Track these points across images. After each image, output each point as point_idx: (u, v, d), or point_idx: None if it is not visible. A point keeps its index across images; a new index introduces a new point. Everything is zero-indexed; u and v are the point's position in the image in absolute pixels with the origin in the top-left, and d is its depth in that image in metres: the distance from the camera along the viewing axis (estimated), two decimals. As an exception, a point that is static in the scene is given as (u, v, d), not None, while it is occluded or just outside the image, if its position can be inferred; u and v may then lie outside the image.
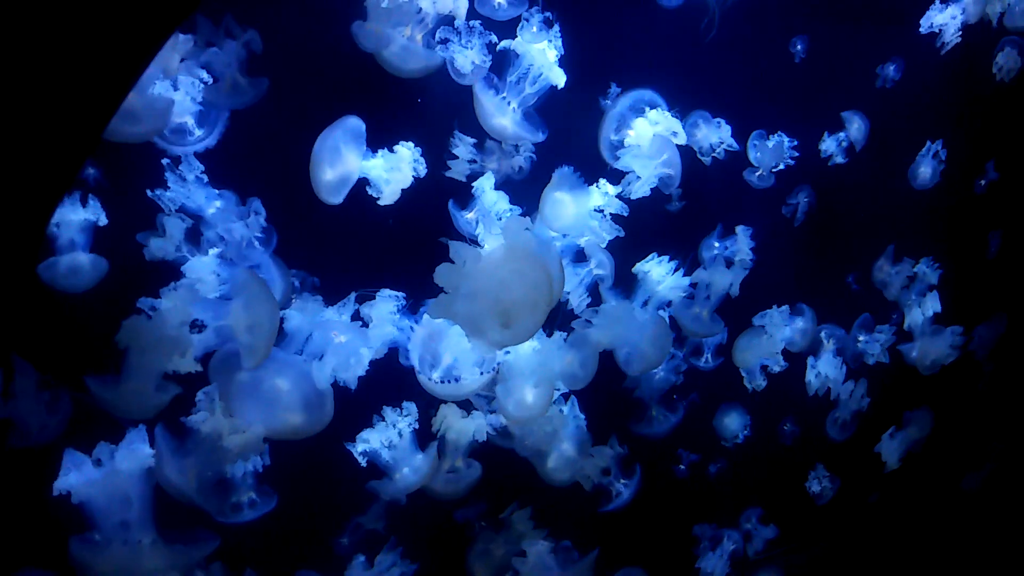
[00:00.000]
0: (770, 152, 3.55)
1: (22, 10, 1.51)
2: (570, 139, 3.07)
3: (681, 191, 3.39)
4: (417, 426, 2.87)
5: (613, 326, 2.99)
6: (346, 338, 2.66)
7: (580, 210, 2.92)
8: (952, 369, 4.20)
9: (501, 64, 2.76)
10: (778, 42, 3.65)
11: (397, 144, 2.73)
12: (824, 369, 3.87)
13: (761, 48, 3.60)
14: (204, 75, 2.46)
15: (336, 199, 2.67)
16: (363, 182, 2.72)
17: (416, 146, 2.72)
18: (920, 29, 3.74)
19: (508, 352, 2.92)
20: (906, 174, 4.04)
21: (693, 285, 3.29)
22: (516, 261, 2.50)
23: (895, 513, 4.59)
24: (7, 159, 1.62)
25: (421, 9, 2.52)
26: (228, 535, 2.75)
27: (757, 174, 3.60)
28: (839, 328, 4.01)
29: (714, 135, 3.33)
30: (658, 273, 3.08)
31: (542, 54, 2.68)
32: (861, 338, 4.03)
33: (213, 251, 2.46)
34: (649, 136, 2.98)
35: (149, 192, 2.45)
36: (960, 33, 3.72)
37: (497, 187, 2.80)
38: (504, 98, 2.77)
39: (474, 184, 2.76)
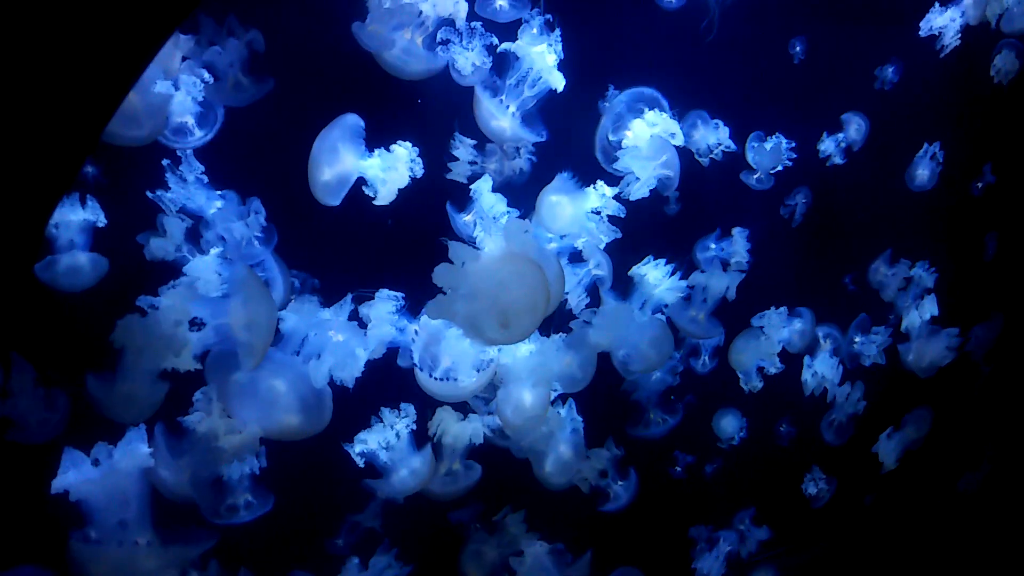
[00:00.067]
0: (768, 154, 3.59)
1: (22, 10, 1.53)
2: (571, 141, 3.11)
3: (679, 193, 3.42)
4: (415, 427, 2.91)
5: (613, 327, 3.03)
6: (343, 337, 2.68)
7: (577, 212, 2.96)
8: (949, 370, 4.25)
9: (501, 67, 2.79)
10: (777, 43, 3.68)
11: (395, 143, 2.75)
12: (820, 369, 3.92)
13: (760, 49, 3.65)
14: (205, 75, 2.49)
15: (334, 201, 2.71)
16: (362, 182, 2.76)
17: (414, 146, 2.75)
18: (920, 32, 3.77)
19: (506, 357, 2.96)
20: (904, 176, 4.07)
21: (690, 288, 3.32)
22: (516, 263, 2.54)
23: (891, 514, 4.64)
24: (6, 159, 1.64)
25: (421, 12, 2.55)
26: (223, 535, 2.78)
27: (755, 176, 3.64)
28: (836, 328, 4.05)
29: (712, 136, 3.37)
30: (654, 276, 3.12)
31: (541, 57, 2.72)
32: (857, 339, 4.07)
33: (215, 251, 2.49)
34: (647, 137, 3.02)
35: (149, 193, 2.47)
36: (959, 36, 3.76)
37: (497, 189, 2.84)
38: (503, 100, 2.80)
39: (472, 186, 2.81)
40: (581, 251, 3.03)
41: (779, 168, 3.65)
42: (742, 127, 3.53)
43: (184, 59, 2.51)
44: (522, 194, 2.94)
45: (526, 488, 3.35)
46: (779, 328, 3.74)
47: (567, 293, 3.01)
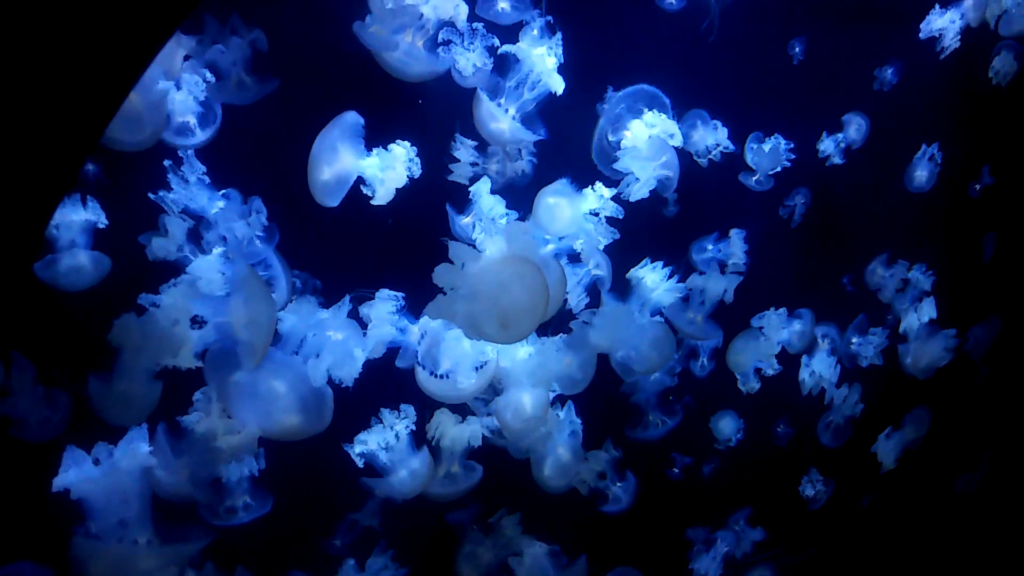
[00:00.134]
0: (767, 155, 3.62)
1: (22, 10, 1.56)
2: (573, 142, 3.14)
3: (677, 195, 3.46)
4: (414, 428, 2.95)
5: (613, 328, 3.07)
6: (343, 335, 2.72)
7: (575, 213, 2.99)
8: (947, 371, 4.29)
9: (501, 69, 2.83)
10: (776, 44, 3.72)
11: (393, 143, 2.79)
12: (818, 368, 3.97)
13: (759, 50, 3.68)
14: (207, 74, 2.52)
15: (333, 201, 2.75)
16: (361, 182, 2.79)
17: (415, 147, 2.78)
18: (920, 35, 3.82)
19: (505, 360, 2.99)
20: (902, 177, 4.11)
21: (688, 291, 3.36)
22: (516, 264, 2.58)
23: (889, 515, 4.67)
24: (6, 159, 1.66)
25: (422, 15, 2.58)
26: (221, 535, 2.83)
27: (755, 178, 3.67)
28: (834, 327, 4.09)
29: (711, 137, 3.41)
30: (652, 279, 3.16)
31: (542, 60, 2.76)
32: (855, 340, 4.11)
33: (217, 250, 2.52)
34: (645, 138, 3.06)
35: (152, 195, 2.50)
36: (959, 37, 3.80)
37: (500, 191, 2.87)
38: (502, 103, 2.83)
39: (471, 188, 2.85)
40: (580, 253, 3.07)
41: (778, 169, 3.68)
42: (741, 128, 3.58)
43: (187, 58, 2.54)
44: (521, 196, 2.97)
45: (525, 489, 3.40)
46: (778, 329, 3.78)
47: (567, 293, 3.04)
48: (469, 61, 2.71)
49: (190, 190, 2.52)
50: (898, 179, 4.12)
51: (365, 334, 2.80)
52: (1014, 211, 4.53)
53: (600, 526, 3.67)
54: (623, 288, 3.23)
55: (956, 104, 4.11)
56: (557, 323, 3.06)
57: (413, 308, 2.88)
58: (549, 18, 2.81)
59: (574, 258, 3.11)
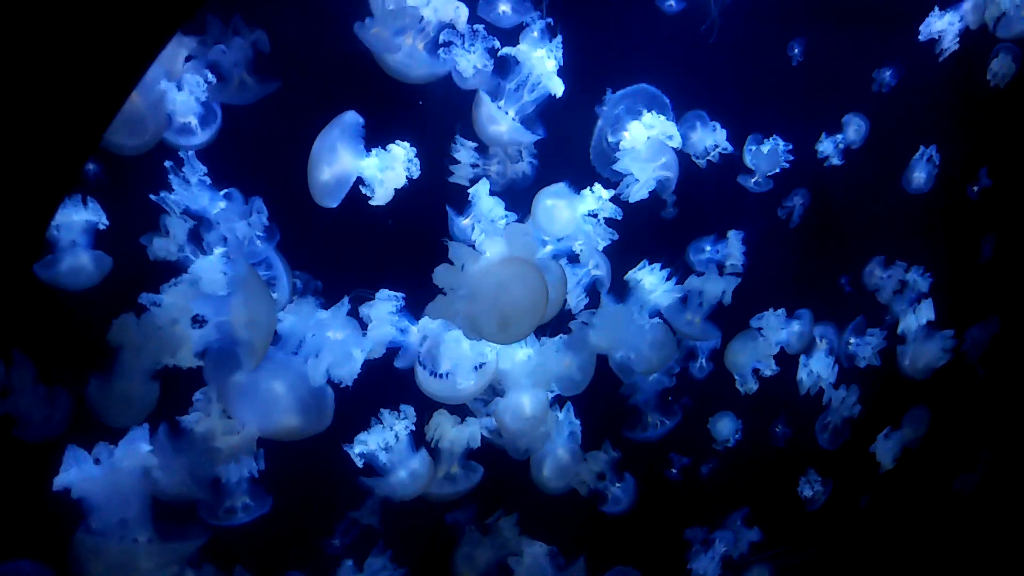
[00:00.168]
0: (765, 157, 3.65)
1: (24, 11, 1.57)
2: (574, 144, 3.16)
3: (676, 197, 3.48)
4: (414, 429, 2.98)
5: (613, 329, 3.09)
6: (342, 335, 2.74)
7: (573, 215, 3.02)
8: (945, 372, 4.33)
9: (501, 71, 2.86)
10: (775, 45, 3.74)
11: (392, 143, 2.80)
12: (816, 368, 4.00)
13: (759, 51, 3.70)
14: (208, 75, 2.54)
15: (333, 202, 2.77)
16: (361, 183, 2.81)
17: (416, 147, 2.80)
18: (920, 37, 3.85)
19: (505, 362, 3.01)
20: (902, 178, 4.14)
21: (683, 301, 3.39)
22: (516, 265, 2.61)
23: (887, 515, 4.70)
24: (8, 159, 1.67)
25: (423, 17, 2.60)
26: (220, 535, 2.86)
27: (753, 180, 3.70)
28: (832, 327, 4.12)
29: (709, 138, 3.44)
30: (650, 281, 3.18)
31: (541, 62, 2.79)
32: (852, 340, 4.14)
33: (219, 250, 2.54)
34: (643, 139, 3.08)
35: (153, 196, 2.52)
36: (958, 39, 3.82)
37: (501, 192, 2.90)
38: (502, 105, 2.86)
39: (470, 190, 2.88)
40: (578, 255, 3.09)
41: (776, 171, 3.71)
42: (740, 129, 3.61)
43: (189, 58, 2.56)
44: (521, 197, 2.99)
45: (524, 490, 3.43)
46: (777, 330, 3.81)
47: (567, 294, 3.07)
48: (470, 63, 2.73)
49: (191, 191, 2.54)
50: (896, 180, 4.15)
51: (365, 334, 2.82)
52: (1012, 213, 4.56)
53: (599, 526, 3.70)
54: (621, 290, 3.26)
55: (954, 106, 4.14)
56: (556, 324, 3.08)
57: (413, 308, 2.90)
58: (549, 20, 2.83)
59: (573, 259, 3.14)
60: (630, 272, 3.24)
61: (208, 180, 2.59)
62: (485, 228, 2.72)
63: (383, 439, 2.92)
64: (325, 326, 2.74)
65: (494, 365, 3.01)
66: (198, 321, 2.55)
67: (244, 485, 2.87)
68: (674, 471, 4.11)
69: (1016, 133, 4.36)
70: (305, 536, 3.37)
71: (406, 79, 2.74)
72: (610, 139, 3.16)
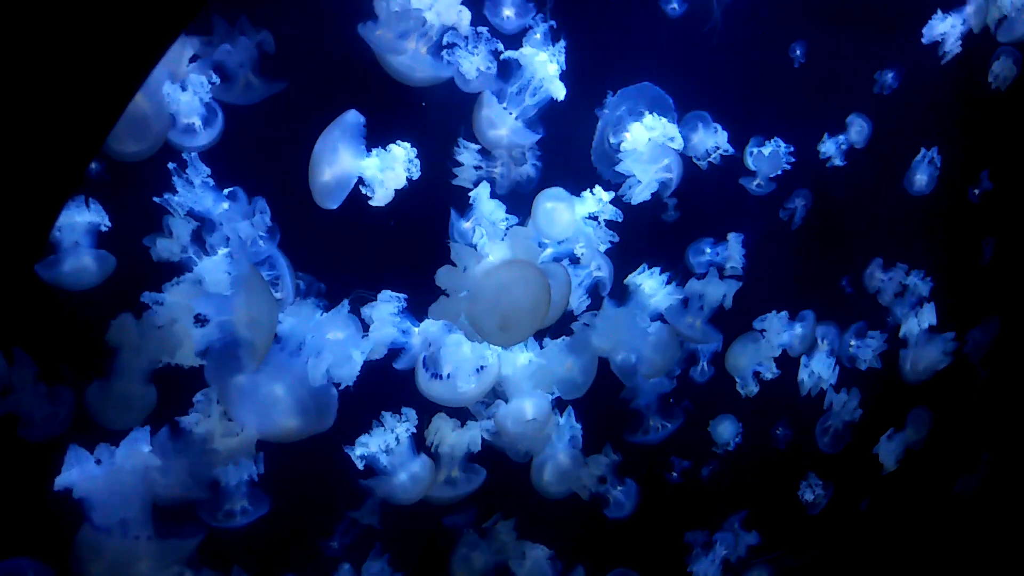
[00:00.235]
0: (767, 160, 3.68)
1: (26, 12, 1.58)
2: (579, 147, 3.19)
3: (677, 200, 3.50)
4: (415, 431, 3.02)
5: (616, 332, 3.12)
6: (343, 335, 2.76)
7: (574, 217, 3.05)
8: (946, 374, 4.36)
9: (504, 74, 2.91)
10: (777, 47, 3.78)
11: (392, 143, 2.83)
12: (817, 369, 4.04)
13: (761, 53, 3.74)
14: (213, 76, 2.56)
15: (333, 204, 2.80)
16: (362, 184, 2.84)
17: (417, 148, 2.83)
18: (923, 39, 3.89)
19: (507, 367, 3.04)
20: (903, 180, 4.17)
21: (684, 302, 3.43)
22: (519, 267, 2.63)
23: (887, 518, 4.73)
24: (11, 160, 1.70)
25: (426, 21, 2.63)
26: (218, 535, 2.90)
27: (755, 183, 3.73)
28: (834, 327, 4.17)
29: (710, 140, 3.46)
30: (650, 286, 3.21)
31: (544, 66, 2.81)
32: (853, 342, 4.17)
33: (223, 250, 2.56)
34: (644, 140, 3.12)
35: (157, 198, 2.56)
36: (960, 42, 3.86)
37: (505, 195, 2.92)
38: (505, 108, 2.89)
39: (471, 193, 2.91)
40: (580, 257, 3.12)
41: (778, 173, 3.74)
42: (742, 131, 3.65)
43: (195, 57, 2.59)
44: (522, 200, 3.02)
45: (524, 493, 3.46)
46: (779, 332, 3.84)
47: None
48: (473, 64, 2.76)
49: (195, 192, 2.56)
50: (898, 182, 4.19)
51: (367, 335, 2.85)
52: (1013, 215, 4.60)
53: (599, 529, 3.73)
54: (622, 293, 3.29)
55: (956, 108, 4.18)
56: (558, 325, 3.10)
57: (415, 310, 2.93)
58: (552, 23, 2.86)
59: (574, 260, 3.18)
60: (630, 276, 3.27)
61: (211, 181, 2.62)
62: (487, 231, 2.75)
63: (384, 441, 2.95)
64: (325, 327, 2.77)
65: (496, 369, 3.03)
66: (200, 320, 2.57)
67: (243, 488, 2.91)
68: (675, 474, 4.14)
69: (1017, 136, 4.40)
70: (304, 537, 3.39)
71: (409, 81, 2.78)
72: (612, 140, 3.19)
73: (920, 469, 4.61)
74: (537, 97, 2.90)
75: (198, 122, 2.63)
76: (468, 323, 2.70)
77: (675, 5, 3.42)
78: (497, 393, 3.15)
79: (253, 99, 2.71)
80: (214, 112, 2.67)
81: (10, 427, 2.63)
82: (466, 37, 2.74)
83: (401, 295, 2.89)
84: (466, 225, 2.96)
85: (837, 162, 3.96)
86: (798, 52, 3.81)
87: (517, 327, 2.78)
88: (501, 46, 2.83)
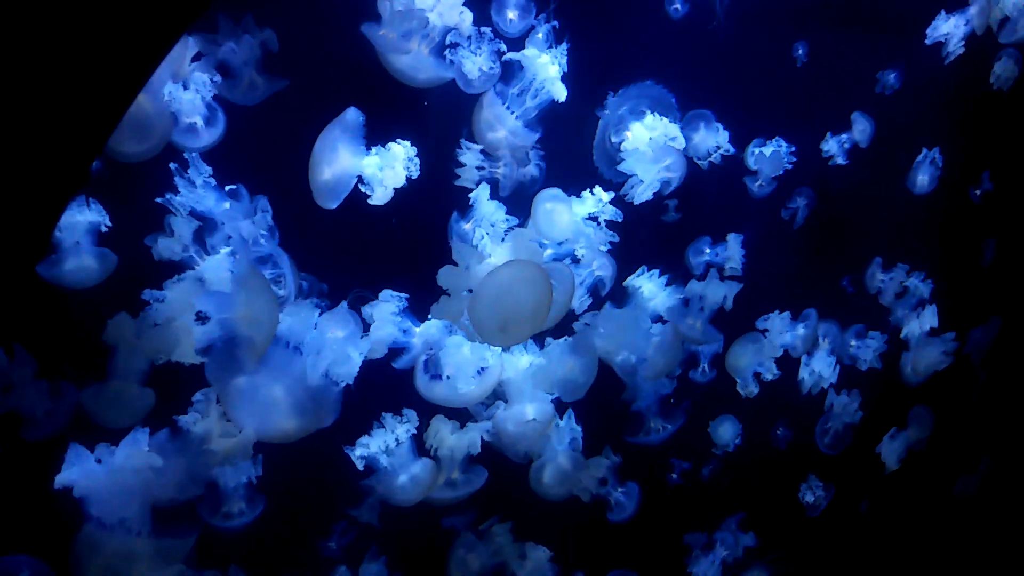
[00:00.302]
0: (768, 160, 3.70)
1: (29, 13, 1.60)
2: (584, 147, 3.23)
3: (677, 201, 3.53)
4: (416, 432, 3.05)
5: (619, 332, 3.14)
6: (343, 333, 2.79)
7: (573, 218, 3.08)
8: (947, 375, 4.41)
9: (505, 76, 2.95)
10: (780, 46, 3.80)
11: (392, 142, 2.85)
12: (818, 367, 4.08)
13: (763, 52, 3.77)
14: (215, 74, 2.59)
15: (333, 203, 2.82)
16: (363, 183, 2.87)
17: (418, 147, 2.85)
18: (927, 40, 3.93)
19: (509, 370, 3.09)
20: (904, 180, 4.21)
21: (685, 302, 3.46)
22: (522, 267, 2.66)
23: (886, 518, 4.76)
24: (14, 161, 1.71)
25: (428, 21, 2.66)
26: (216, 534, 2.95)
27: (757, 184, 3.76)
28: (835, 326, 4.21)
29: (711, 139, 3.49)
30: (649, 289, 3.24)
31: (545, 67, 2.86)
32: (853, 342, 4.20)
33: (225, 249, 2.58)
34: (645, 140, 3.15)
35: (158, 199, 2.58)
36: (963, 43, 3.89)
37: (509, 196, 2.94)
38: (508, 108, 2.91)
39: (471, 195, 2.94)
40: (580, 258, 3.15)
41: (780, 173, 3.77)
42: (744, 130, 3.68)
43: (199, 55, 2.62)
44: (523, 202, 3.05)
45: (524, 495, 3.50)
46: (782, 333, 3.88)
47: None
48: (475, 64, 2.79)
49: (197, 192, 2.59)
50: (899, 183, 4.21)
51: (367, 335, 2.88)
52: (1014, 217, 4.63)
53: (598, 531, 3.77)
54: (621, 295, 3.32)
55: (957, 109, 4.21)
56: (559, 325, 3.12)
57: (416, 309, 2.95)
58: (555, 23, 2.89)
59: (575, 261, 3.20)
60: (629, 279, 3.30)
61: (213, 181, 2.64)
62: (487, 233, 2.78)
63: (384, 442, 2.98)
64: (325, 326, 2.79)
65: (498, 370, 3.06)
66: (201, 318, 2.59)
67: (241, 490, 2.95)
68: (674, 475, 4.18)
69: (1018, 137, 4.44)
70: (302, 537, 3.42)
71: (412, 82, 2.81)
72: (613, 139, 3.21)
73: (920, 470, 4.66)
74: (538, 99, 2.93)
75: (200, 122, 2.66)
76: (469, 323, 2.73)
77: (678, 6, 3.45)
78: (497, 394, 3.19)
79: (256, 98, 2.73)
80: (216, 112, 2.69)
81: (11, 425, 2.65)
82: (469, 37, 2.77)
83: (402, 295, 2.92)
84: (466, 227, 2.99)
85: (840, 160, 3.99)
86: (800, 52, 3.83)
87: (517, 328, 2.81)
88: (504, 46, 2.86)
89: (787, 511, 4.42)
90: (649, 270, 3.38)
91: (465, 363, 2.99)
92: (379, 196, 2.83)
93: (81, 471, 2.51)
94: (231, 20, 2.67)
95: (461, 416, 3.21)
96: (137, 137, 2.49)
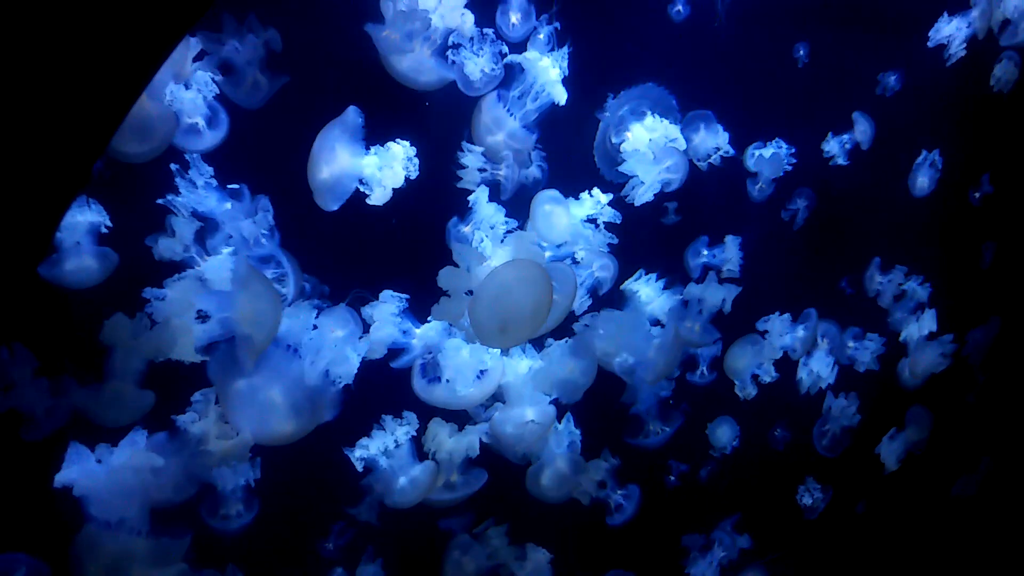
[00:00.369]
0: (768, 162, 3.73)
1: (32, 12, 1.61)
2: (586, 149, 3.26)
3: (677, 203, 3.55)
4: (416, 435, 3.09)
5: (620, 334, 3.16)
6: (343, 332, 2.82)
7: (572, 220, 3.12)
8: (945, 377, 4.46)
9: (506, 79, 2.98)
10: (781, 47, 3.84)
11: (391, 141, 2.87)
12: (816, 367, 4.13)
13: (764, 53, 3.82)
14: (217, 74, 2.61)
15: (334, 203, 2.84)
16: (362, 183, 2.89)
17: (419, 148, 2.87)
18: (929, 43, 3.98)
19: (509, 374, 3.12)
20: (904, 182, 4.25)
21: (684, 304, 3.51)
22: (523, 267, 2.69)
23: (885, 521, 4.80)
24: (16, 162, 1.73)
25: (431, 24, 2.69)
26: (214, 534, 2.99)
27: (758, 186, 3.79)
28: (834, 326, 4.26)
29: (711, 140, 3.52)
30: (647, 293, 3.26)
31: (546, 71, 2.91)
32: (851, 344, 4.23)
33: (227, 249, 2.61)
34: (645, 141, 3.19)
35: (160, 200, 2.62)
36: (965, 45, 3.93)
37: (511, 198, 2.97)
38: (508, 111, 2.94)
39: (470, 198, 2.97)
40: (580, 260, 3.19)
41: (780, 175, 3.80)
42: (744, 131, 3.71)
43: (203, 54, 2.65)
44: (522, 205, 3.09)
45: (522, 496, 3.53)
46: (782, 334, 3.92)
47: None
48: (477, 66, 2.81)
49: (198, 193, 2.61)
50: (899, 185, 4.25)
51: (367, 335, 2.91)
52: (1013, 219, 4.67)
53: (596, 532, 3.80)
54: (619, 299, 3.35)
55: (957, 111, 4.25)
56: (560, 326, 3.15)
57: (416, 310, 2.98)
58: (557, 24, 2.91)
59: (575, 262, 3.23)
60: (626, 283, 3.34)
61: (214, 182, 2.67)
62: (486, 235, 2.80)
63: (384, 444, 3.02)
64: (324, 324, 2.82)
65: (499, 373, 3.10)
66: (201, 316, 2.62)
67: (239, 493, 2.98)
68: (672, 478, 4.21)
69: (1018, 139, 4.48)
70: (300, 537, 3.44)
71: (414, 85, 2.84)
72: (613, 140, 3.24)
73: (918, 471, 4.70)
74: (539, 102, 2.96)
75: (201, 122, 2.68)
76: (469, 324, 2.76)
77: (680, 7, 3.49)
78: (496, 396, 3.23)
79: (260, 100, 2.76)
80: (218, 113, 2.72)
81: (10, 423, 2.67)
82: (471, 38, 2.79)
83: (403, 295, 2.95)
84: (465, 229, 3.02)
85: (840, 161, 4.03)
86: (801, 53, 3.86)
87: (517, 328, 2.84)
88: (506, 48, 2.90)
89: (785, 513, 4.46)
90: (648, 272, 3.42)
91: (464, 366, 3.02)
92: (378, 196, 2.86)
93: (81, 470, 2.55)
94: (235, 19, 2.69)
95: (459, 418, 3.25)
96: (139, 137, 2.52)
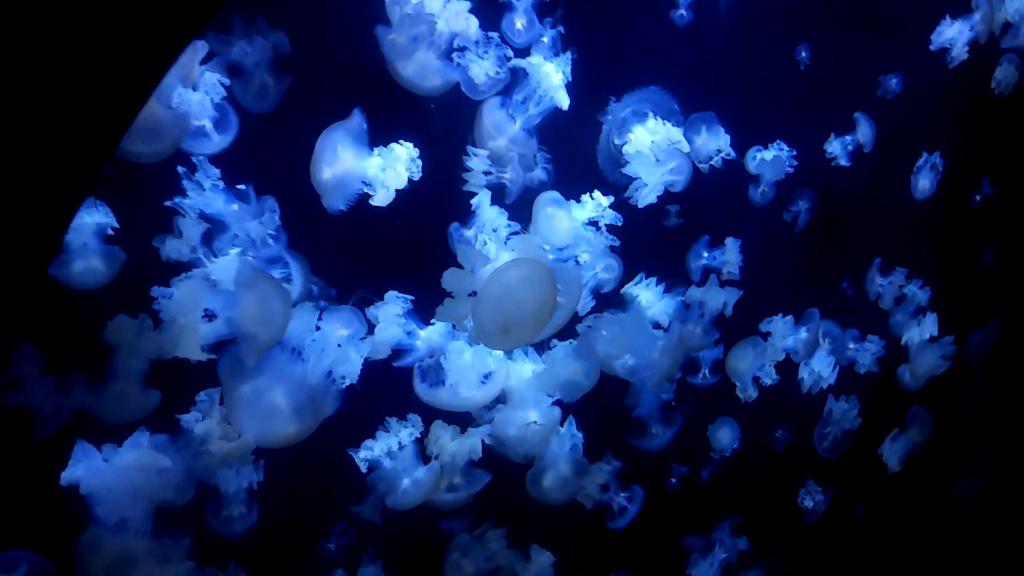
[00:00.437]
0: (769, 165, 3.78)
1: (37, 17, 1.64)
2: (589, 152, 3.30)
3: (679, 206, 3.59)
4: (420, 437, 3.13)
5: (624, 335, 3.20)
6: (348, 332, 2.88)
7: (574, 223, 3.17)
8: (946, 379, 4.51)
9: (509, 84, 3.03)
10: (783, 50, 3.90)
11: (395, 143, 2.92)
12: (817, 367, 4.17)
13: (766, 55, 3.86)
14: (225, 77, 2.65)
15: (338, 203, 2.88)
16: (366, 184, 2.94)
17: (421, 148, 2.91)
18: (931, 46, 4.03)
19: (513, 378, 3.17)
20: (905, 184, 4.30)
21: (686, 306, 3.55)
22: (528, 267, 2.74)
23: (885, 522, 4.85)
24: (26, 165, 1.76)
25: (436, 27, 2.74)
26: (216, 535, 3.04)
27: (759, 190, 3.82)
28: (836, 326, 4.30)
29: (713, 143, 3.56)
30: (647, 297, 3.30)
31: (549, 76, 2.97)
32: (851, 346, 4.27)
33: (234, 250, 2.65)
34: (648, 143, 3.23)
35: (168, 202, 2.66)
36: (967, 48, 3.99)
37: (515, 201, 3.02)
38: (511, 116, 2.99)
39: (472, 201, 3.01)
40: (582, 263, 3.24)
41: (781, 177, 3.85)
42: (746, 134, 3.75)
43: (212, 55, 2.68)
44: (524, 208, 3.13)
45: (524, 498, 3.56)
46: (784, 336, 3.96)
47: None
48: (482, 69, 2.86)
49: (205, 195, 2.66)
50: (900, 187, 4.31)
51: (372, 336, 2.96)
52: (1014, 222, 4.72)
53: (598, 534, 3.83)
54: (620, 303, 3.40)
55: (958, 114, 4.31)
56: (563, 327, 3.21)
57: (421, 311, 3.04)
58: (561, 28, 2.96)
59: (577, 263, 3.26)
60: (627, 286, 3.39)
61: (221, 184, 2.72)
62: (489, 239, 2.84)
63: (387, 446, 3.07)
64: (328, 324, 2.87)
65: (503, 376, 3.15)
66: (208, 315, 2.66)
67: (243, 495, 3.03)
68: (673, 480, 4.23)
69: (1019, 141, 4.53)
70: (301, 537, 3.47)
71: (419, 91, 2.89)
72: (616, 142, 3.28)
73: (919, 472, 4.74)
74: (541, 106, 3.01)
75: (209, 125, 2.72)
76: (472, 325, 2.81)
77: (683, 11, 3.54)
78: (498, 398, 3.27)
79: (269, 104, 2.80)
80: (228, 116, 2.76)
81: (17, 421, 2.71)
82: (476, 42, 2.84)
83: (407, 296, 2.99)
84: (468, 233, 3.06)
85: (843, 162, 4.07)
86: (803, 55, 3.91)
87: (520, 330, 2.89)
88: (510, 52, 2.96)
89: (786, 515, 4.50)
90: (649, 275, 3.46)
91: (467, 369, 3.07)
92: (381, 197, 2.90)
93: (88, 468, 2.60)
94: (244, 21, 2.74)
95: (462, 420, 3.28)
96: (147, 139, 2.55)
